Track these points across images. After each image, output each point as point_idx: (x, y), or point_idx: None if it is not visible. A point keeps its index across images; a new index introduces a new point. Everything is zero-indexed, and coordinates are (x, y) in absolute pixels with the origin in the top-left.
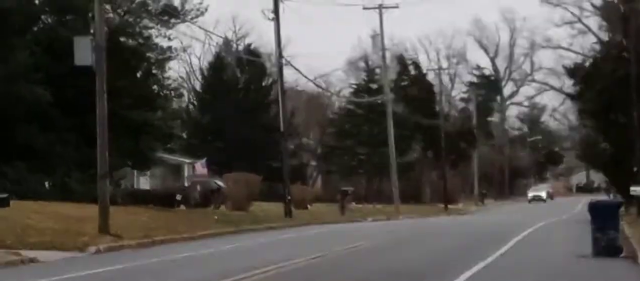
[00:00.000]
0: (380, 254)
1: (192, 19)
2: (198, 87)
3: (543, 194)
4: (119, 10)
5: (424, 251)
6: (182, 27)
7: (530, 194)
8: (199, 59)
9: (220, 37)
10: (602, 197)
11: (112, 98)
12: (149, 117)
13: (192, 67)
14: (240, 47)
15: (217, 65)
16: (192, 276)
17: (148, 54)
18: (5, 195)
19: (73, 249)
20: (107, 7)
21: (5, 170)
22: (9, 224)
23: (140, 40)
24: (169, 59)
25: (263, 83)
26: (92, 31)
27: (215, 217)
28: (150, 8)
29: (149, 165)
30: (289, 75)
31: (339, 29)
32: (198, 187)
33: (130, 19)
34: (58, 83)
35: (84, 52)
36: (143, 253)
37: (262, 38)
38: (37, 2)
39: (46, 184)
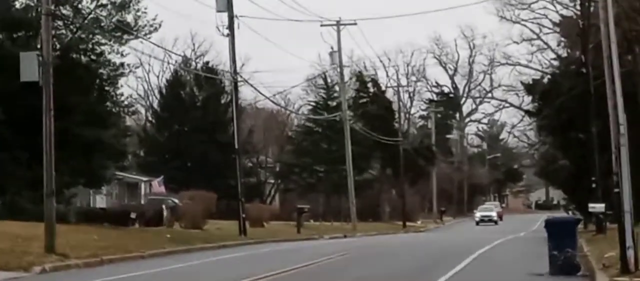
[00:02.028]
0: (331, 273)
1: (145, 35)
2: (156, 104)
3: (494, 214)
4: (71, 27)
5: (375, 273)
6: (139, 45)
7: (478, 215)
8: (158, 76)
9: (179, 54)
10: (561, 214)
11: (64, 116)
12: (102, 134)
13: (150, 84)
14: (199, 65)
15: (175, 83)
16: None
17: (100, 71)
18: None
19: (17, 269)
20: (59, 23)
21: None
22: None
23: (93, 57)
24: (122, 75)
25: (221, 101)
26: (38, 46)
27: (168, 235)
28: (103, 24)
29: (102, 183)
30: (247, 92)
31: (299, 46)
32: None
33: (83, 35)
34: (9, 101)
35: (30, 68)
36: (89, 272)
37: (220, 56)
38: None
39: None
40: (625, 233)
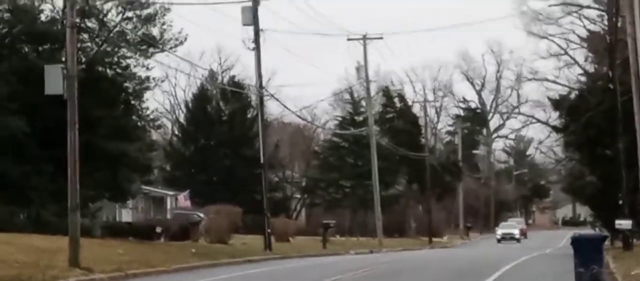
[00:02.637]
0: None
1: (171, 48)
2: (182, 118)
3: (516, 232)
4: (96, 40)
5: None
6: (165, 59)
7: (500, 232)
8: (184, 91)
9: (205, 68)
10: (587, 231)
11: (89, 129)
12: (127, 148)
13: (177, 98)
14: (226, 79)
15: (201, 97)
16: None
17: (126, 84)
18: None
19: None
20: (85, 36)
21: None
22: None
23: (118, 70)
24: (147, 88)
25: (247, 115)
26: (63, 59)
27: (193, 250)
28: (128, 37)
29: (127, 197)
30: (273, 107)
31: (325, 60)
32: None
33: (108, 49)
34: (34, 114)
35: (54, 81)
36: None
37: (247, 70)
38: (13, 31)
39: (21, 216)
40: None
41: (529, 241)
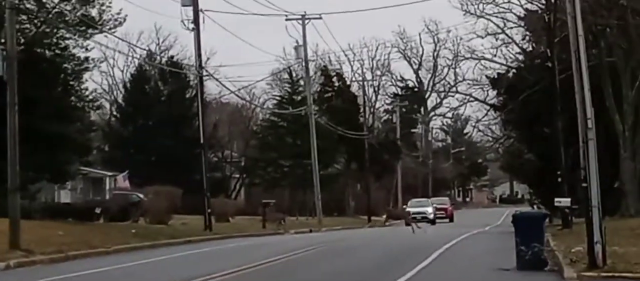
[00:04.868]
0: (298, 268)
1: (110, 29)
2: (120, 99)
3: (429, 210)
4: (35, 21)
5: (341, 266)
6: (104, 39)
7: (410, 211)
8: (123, 71)
9: (143, 49)
10: (525, 208)
11: (28, 110)
12: (66, 129)
13: (115, 79)
14: (164, 59)
15: (140, 77)
16: None
17: (65, 65)
18: None
19: None
20: (23, 17)
21: None
22: None
23: (57, 51)
24: (86, 69)
25: (186, 96)
26: (2, 40)
27: (133, 231)
28: (67, 18)
29: (66, 178)
30: (213, 87)
31: (264, 40)
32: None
33: (47, 30)
34: None
35: None
36: (54, 268)
37: (186, 50)
38: None
39: None
40: (593, 227)
41: (467, 218)
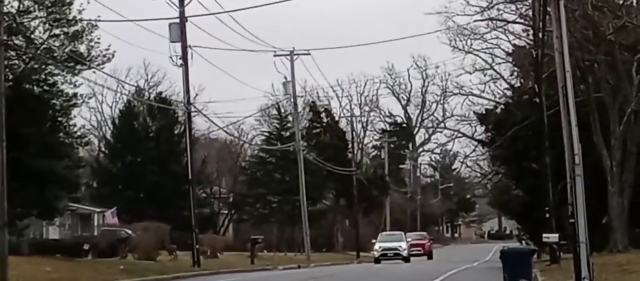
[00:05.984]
0: None
1: (98, 65)
2: (109, 135)
3: (402, 246)
4: (24, 57)
5: None
6: (92, 75)
7: (379, 247)
8: (111, 107)
9: (132, 85)
10: (514, 244)
11: (16, 146)
12: (54, 165)
13: (103, 115)
14: (153, 95)
15: (128, 113)
16: None
17: (53, 101)
18: None
19: None
20: (12, 53)
21: None
22: None
23: (46, 87)
24: (75, 105)
25: (175, 132)
26: None
27: (121, 267)
28: (56, 54)
29: (54, 215)
30: (201, 123)
31: (253, 76)
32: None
33: (36, 66)
34: None
35: None
36: None
37: (174, 86)
38: None
39: None
40: (581, 263)
41: (455, 254)
